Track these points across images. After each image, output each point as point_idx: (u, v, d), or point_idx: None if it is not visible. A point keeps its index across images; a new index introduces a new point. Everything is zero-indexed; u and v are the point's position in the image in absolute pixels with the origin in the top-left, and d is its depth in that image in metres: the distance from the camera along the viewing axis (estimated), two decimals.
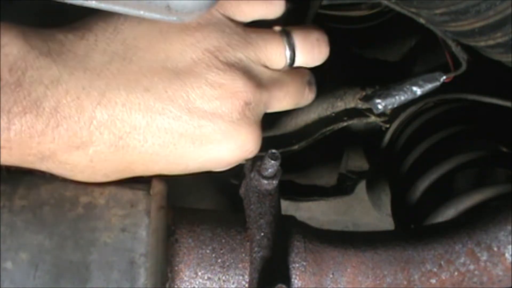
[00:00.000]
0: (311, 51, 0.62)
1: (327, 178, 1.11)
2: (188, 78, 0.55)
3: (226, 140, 0.57)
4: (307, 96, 0.65)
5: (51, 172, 0.55)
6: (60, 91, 0.51)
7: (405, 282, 0.58)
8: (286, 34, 0.61)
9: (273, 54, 0.60)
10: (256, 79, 0.58)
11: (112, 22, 0.56)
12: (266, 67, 0.60)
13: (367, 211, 1.14)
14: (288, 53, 0.61)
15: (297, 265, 0.58)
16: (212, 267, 0.57)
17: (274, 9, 0.61)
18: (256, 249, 0.57)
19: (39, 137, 0.51)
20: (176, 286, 0.56)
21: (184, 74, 0.55)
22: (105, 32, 0.56)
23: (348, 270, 0.59)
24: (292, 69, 0.63)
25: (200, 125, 0.56)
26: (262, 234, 0.57)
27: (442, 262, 0.58)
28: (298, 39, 0.61)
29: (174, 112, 0.55)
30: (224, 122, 0.56)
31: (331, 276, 0.58)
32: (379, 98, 0.82)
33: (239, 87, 0.56)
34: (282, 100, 0.62)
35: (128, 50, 0.55)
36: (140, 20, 0.56)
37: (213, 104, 0.56)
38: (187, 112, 0.55)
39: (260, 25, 0.62)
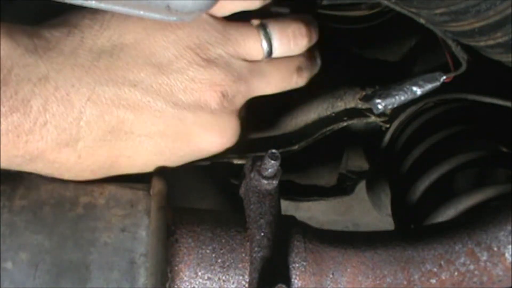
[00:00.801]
0: (287, 43, 0.64)
1: (327, 178, 1.11)
2: (171, 73, 0.58)
3: (206, 129, 0.60)
4: (296, 81, 0.67)
5: (38, 173, 0.56)
6: (49, 89, 0.52)
7: (405, 282, 0.58)
8: (263, 28, 0.63)
9: (250, 47, 0.62)
10: (234, 73, 0.61)
11: (98, 19, 0.57)
12: (246, 60, 0.62)
13: (367, 211, 1.14)
14: (264, 45, 0.63)
15: (297, 265, 0.58)
16: (212, 267, 0.56)
17: (253, 2, 0.63)
18: (256, 249, 0.56)
19: (26, 136, 0.51)
20: (176, 286, 0.56)
21: (167, 70, 0.58)
22: (91, 29, 0.56)
23: (348, 270, 0.59)
24: (276, 58, 0.64)
25: (184, 117, 0.58)
26: (262, 234, 0.57)
27: (442, 262, 0.58)
28: (275, 32, 0.63)
29: (160, 105, 0.57)
30: (204, 113, 0.59)
31: (331, 276, 0.58)
32: (379, 98, 0.82)
33: (217, 81, 0.59)
34: (265, 88, 0.64)
35: (114, 46, 0.57)
36: (126, 17, 0.57)
37: (194, 96, 0.58)
38: (172, 105, 0.58)
39: (240, 17, 0.64)
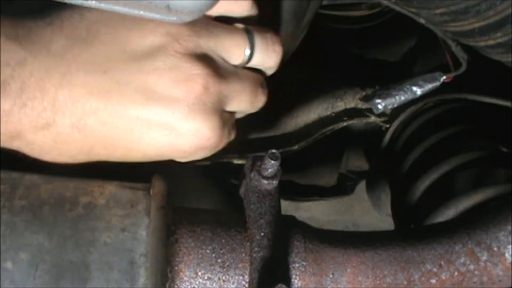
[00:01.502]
0: (266, 49, 0.62)
1: (327, 178, 1.11)
2: (146, 61, 0.56)
3: (181, 125, 0.57)
4: (261, 96, 0.64)
5: (21, 151, 0.57)
6: (26, 73, 0.53)
7: (405, 282, 0.58)
8: (247, 31, 0.62)
9: (233, 47, 0.60)
10: (215, 67, 0.58)
11: (79, 9, 0.57)
12: (224, 60, 0.60)
13: (367, 211, 1.14)
14: (247, 49, 0.61)
15: (297, 265, 0.58)
16: (212, 267, 0.57)
17: (240, 6, 0.62)
18: (256, 249, 0.56)
19: (7, 116, 0.53)
20: (176, 286, 0.56)
21: (142, 58, 0.56)
22: (71, 18, 0.57)
23: (348, 270, 0.59)
24: (246, 68, 0.63)
25: (156, 109, 0.56)
26: (262, 234, 0.57)
27: (442, 262, 0.58)
28: (257, 37, 0.62)
29: (130, 95, 0.55)
30: (180, 106, 0.56)
31: (331, 276, 0.58)
32: (379, 98, 0.82)
33: (197, 71, 0.56)
34: (241, 94, 0.61)
35: (90, 35, 0.56)
36: None
37: (170, 87, 0.56)
38: (143, 96, 0.56)
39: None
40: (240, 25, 0.62)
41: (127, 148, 0.58)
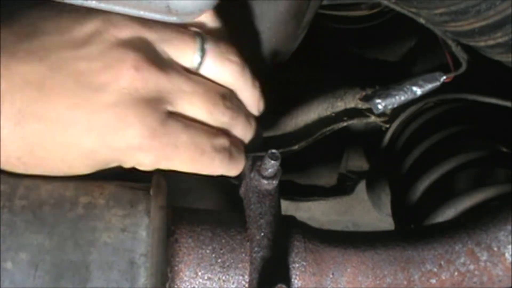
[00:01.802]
0: (220, 56, 0.59)
1: (327, 178, 1.11)
2: (80, 48, 0.54)
3: (107, 113, 0.53)
4: (222, 109, 0.59)
5: None
6: None
7: (405, 282, 0.58)
8: (200, 35, 0.59)
9: (180, 45, 0.57)
10: (152, 55, 0.55)
11: (32, 9, 0.57)
12: (171, 58, 0.57)
13: (367, 211, 1.14)
14: (197, 51, 0.58)
15: (297, 265, 0.58)
16: (212, 267, 0.57)
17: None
18: (256, 249, 0.57)
19: None
20: (176, 286, 0.56)
21: (78, 45, 0.54)
22: (22, 16, 0.56)
23: (348, 270, 0.59)
24: (203, 77, 0.60)
25: (84, 96, 0.53)
26: (262, 234, 0.57)
27: (442, 262, 0.58)
28: (210, 42, 0.59)
29: (60, 82, 0.53)
30: (108, 92, 0.53)
31: (331, 276, 0.58)
32: (379, 98, 0.83)
33: (129, 53, 0.54)
34: (192, 96, 0.57)
35: (37, 28, 0.55)
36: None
37: (99, 73, 0.54)
38: (73, 82, 0.53)
39: None
40: (193, 28, 0.60)
41: (63, 144, 0.54)
